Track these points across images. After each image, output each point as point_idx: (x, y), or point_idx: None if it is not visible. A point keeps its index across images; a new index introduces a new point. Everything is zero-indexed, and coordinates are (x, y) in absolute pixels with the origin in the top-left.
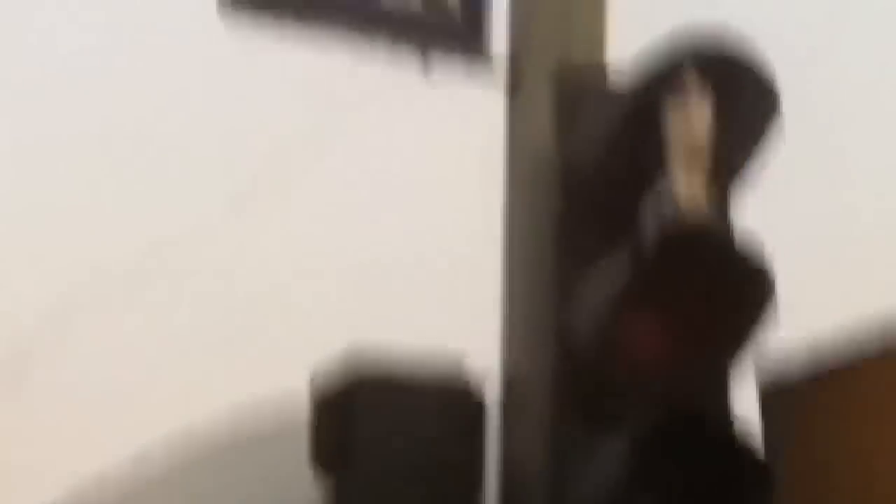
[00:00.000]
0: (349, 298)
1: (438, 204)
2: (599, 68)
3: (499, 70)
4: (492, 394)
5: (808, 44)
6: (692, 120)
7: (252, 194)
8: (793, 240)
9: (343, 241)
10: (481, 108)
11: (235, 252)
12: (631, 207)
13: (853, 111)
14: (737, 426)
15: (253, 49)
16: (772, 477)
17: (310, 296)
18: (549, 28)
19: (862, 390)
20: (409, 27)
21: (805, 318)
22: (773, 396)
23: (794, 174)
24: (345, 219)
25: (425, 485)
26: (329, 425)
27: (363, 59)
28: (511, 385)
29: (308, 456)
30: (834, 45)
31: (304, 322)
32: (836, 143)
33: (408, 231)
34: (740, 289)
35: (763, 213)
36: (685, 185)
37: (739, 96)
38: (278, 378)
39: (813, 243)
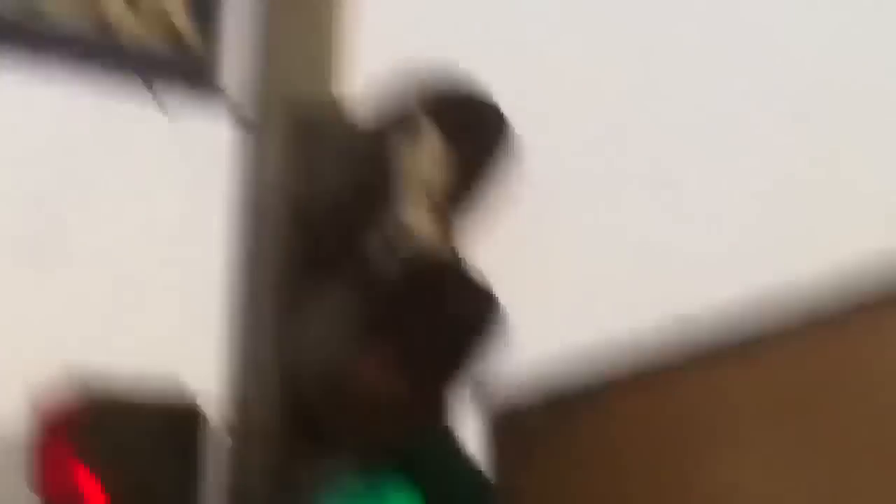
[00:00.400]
0: (76, 322)
1: (168, 234)
2: (332, 105)
3: (233, 104)
4: (217, 422)
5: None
6: (423, 156)
7: None
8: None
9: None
10: (214, 141)
11: None
12: (361, 246)
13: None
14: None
15: None
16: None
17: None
18: (284, 64)
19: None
20: (141, 60)
21: (537, 350)
22: (503, 429)
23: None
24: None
25: None
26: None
27: (93, 92)
28: (237, 415)
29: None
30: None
31: (24, 343)
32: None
33: (138, 258)
34: (470, 320)
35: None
36: (416, 221)
37: (471, 133)
38: None
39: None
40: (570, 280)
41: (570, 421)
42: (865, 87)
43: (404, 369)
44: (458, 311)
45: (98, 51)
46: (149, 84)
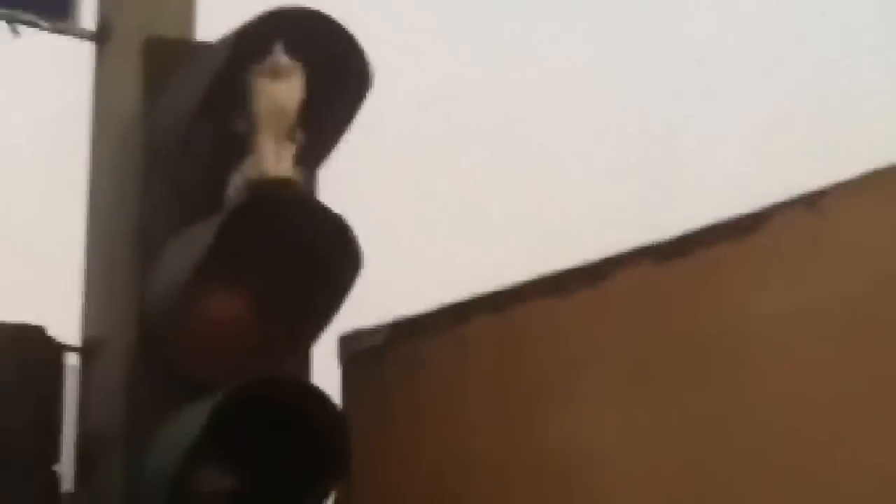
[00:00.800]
0: None
1: (21, 166)
2: (189, 43)
3: (86, 34)
4: (72, 358)
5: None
6: (279, 89)
7: None
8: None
9: None
10: (67, 73)
11: None
12: (215, 179)
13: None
14: (315, 390)
15: None
16: (347, 440)
17: None
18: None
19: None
20: None
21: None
22: (353, 361)
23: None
24: None
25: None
26: None
27: None
28: (91, 350)
29: None
30: None
31: None
32: None
33: None
34: (323, 257)
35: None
36: (271, 153)
37: (328, 68)
38: None
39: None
40: (417, 217)
41: (416, 344)
42: None
43: (251, 299)
44: (305, 239)
45: None
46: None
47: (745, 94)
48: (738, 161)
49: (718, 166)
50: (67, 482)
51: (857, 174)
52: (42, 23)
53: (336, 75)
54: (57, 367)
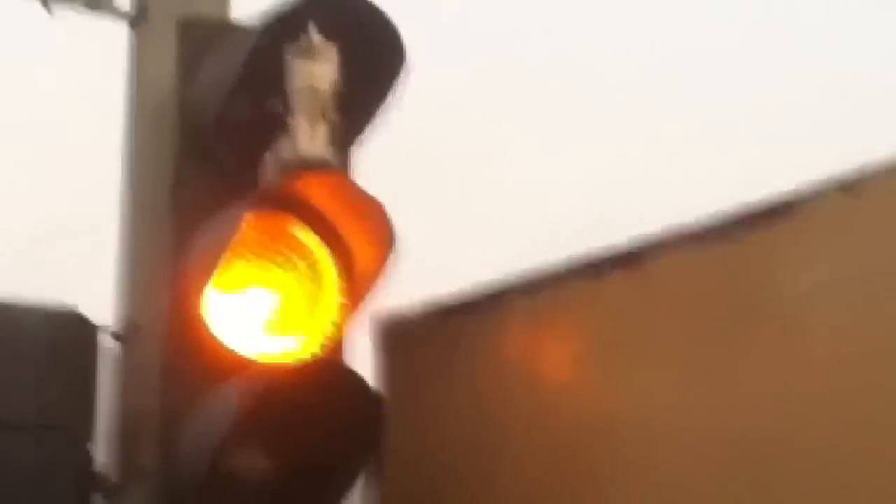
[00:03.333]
0: None
1: (57, 148)
2: (225, 22)
3: (122, 14)
4: (107, 339)
5: None
6: (313, 69)
7: None
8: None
9: None
10: (102, 53)
11: None
12: (251, 160)
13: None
14: (353, 373)
15: None
16: (382, 421)
17: None
18: None
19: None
20: None
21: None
22: (386, 343)
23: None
24: None
25: (34, 417)
26: None
27: None
28: (126, 331)
29: None
30: None
31: None
32: None
33: (26, 173)
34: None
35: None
36: (305, 133)
37: (365, 48)
38: None
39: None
40: (457, 201)
41: (452, 326)
42: None
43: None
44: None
45: None
46: None
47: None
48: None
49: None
50: (101, 462)
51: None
52: (77, 2)
53: (371, 55)
54: (91, 348)
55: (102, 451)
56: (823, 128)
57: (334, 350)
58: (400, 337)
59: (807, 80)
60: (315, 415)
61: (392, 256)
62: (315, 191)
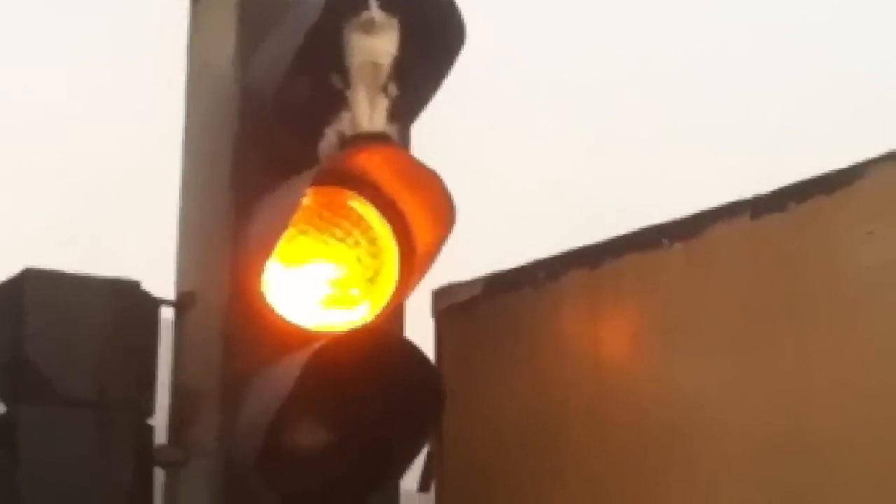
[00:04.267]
0: (25, 225)
1: (116, 125)
2: None
3: None
4: (167, 313)
5: None
6: (373, 44)
7: None
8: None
9: (18, 159)
10: (163, 28)
11: None
12: (310, 136)
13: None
14: (408, 342)
15: None
16: (441, 390)
17: None
18: None
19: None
20: None
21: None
22: (447, 314)
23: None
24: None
25: (96, 391)
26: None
27: None
28: (186, 305)
29: None
30: None
31: None
32: None
33: (87, 150)
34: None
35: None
36: (365, 108)
37: (423, 22)
38: None
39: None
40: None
41: (511, 298)
42: None
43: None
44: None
45: None
46: None
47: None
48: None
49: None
50: (161, 436)
51: None
52: None
53: (430, 30)
54: (152, 322)
55: (162, 426)
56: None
57: (394, 322)
58: (459, 310)
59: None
60: (374, 388)
61: (451, 229)
62: (375, 165)
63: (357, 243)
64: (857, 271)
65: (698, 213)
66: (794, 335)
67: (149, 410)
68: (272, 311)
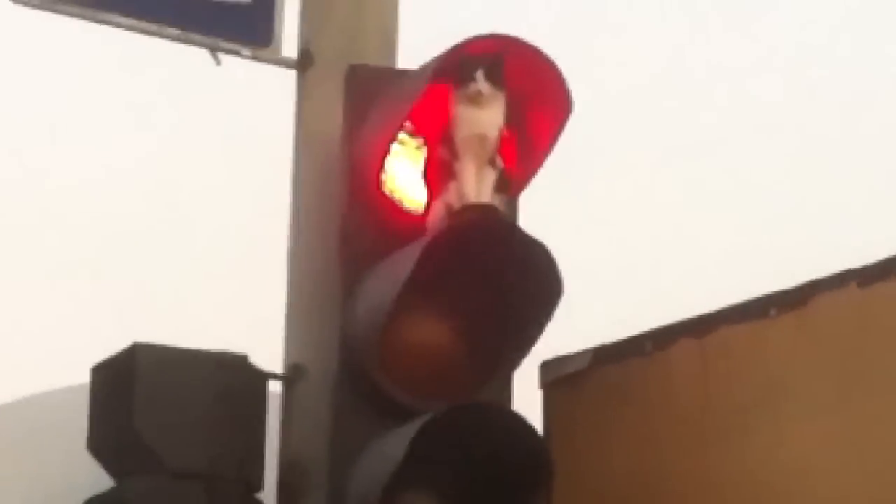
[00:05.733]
0: (132, 298)
1: (226, 196)
2: (391, 70)
3: (288, 62)
4: (275, 387)
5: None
6: (480, 116)
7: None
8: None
9: (125, 230)
10: (270, 100)
11: None
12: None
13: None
14: (516, 415)
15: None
16: (551, 463)
17: (93, 294)
18: (342, 25)
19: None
20: (199, 14)
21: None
22: (555, 386)
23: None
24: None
25: (206, 465)
26: (109, 407)
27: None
28: (294, 378)
29: (88, 444)
30: None
31: (86, 321)
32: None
33: (194, 220)
34: (525, 284)
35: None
36: (472, 180)
37: (528, 94)
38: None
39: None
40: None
41: (618, 370)
42: None
43: (453, 325)
44: (507, 267)
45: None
46: (208, 38)
47: None
48: None
49: None
50: None
51: None
52: (244, 51)
53: (536, 101)
54: (260, 396)
55: (271, 500)
56: None
57: (501, 393)
58: (569, 382)
59: None
60: (483, 457)
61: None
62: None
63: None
64: None
65: (807, 282)
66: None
67: (258, 485)
68: (380, 385)
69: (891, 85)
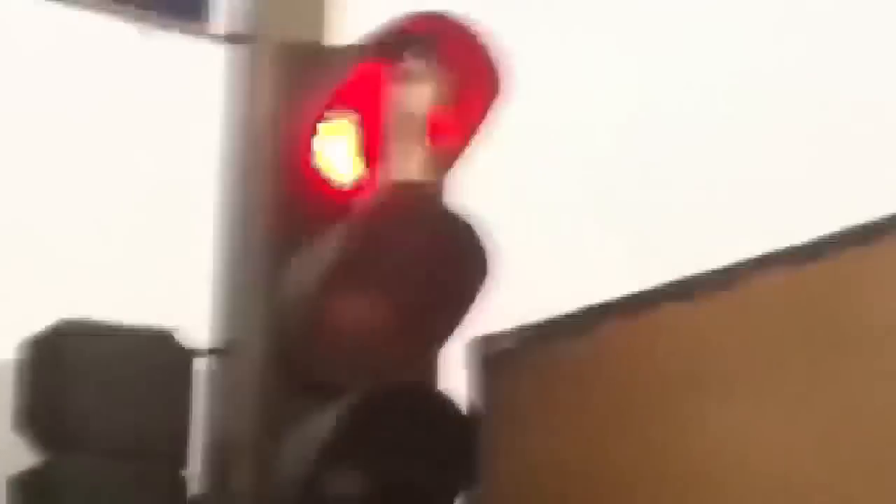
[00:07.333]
0: (59, 273)
1: (153, 171)
2: (321, 47)
3: (219, 38)
4: (202, 363)
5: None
6: (410, 94)
7: None
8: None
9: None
10: (199, 76)
11: None
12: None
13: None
14: (442, 395)
15: None
16: (477, 442)
17: (20, 269)
18: (274, 2)
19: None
20: None
21: (521, 298)
22: (481, 365)
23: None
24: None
25: (133, 442)
26: (36, 385)
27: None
28: (221, 355)
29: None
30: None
31: (13, 296)
32: None
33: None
34: (454, 262)
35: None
36: (402, 158)
37: (460, 72)
38: None
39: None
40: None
41: (547, 349)
42: None
43: (383, 303)
44: (436, 244)
45: None
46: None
47: None
48: None
49: None
50: (195, 487)
51: None
52: (174, 25)
53: (470, 80)
54: (187, 372)
55: (196, 475)
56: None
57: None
58: (496, 361)
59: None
60: (411, 437)
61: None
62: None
63: None
64: (888, 320)
65: (737, 263)
66: (826, 383)
67: (183, 461)
68: (309, 361)
69: None
